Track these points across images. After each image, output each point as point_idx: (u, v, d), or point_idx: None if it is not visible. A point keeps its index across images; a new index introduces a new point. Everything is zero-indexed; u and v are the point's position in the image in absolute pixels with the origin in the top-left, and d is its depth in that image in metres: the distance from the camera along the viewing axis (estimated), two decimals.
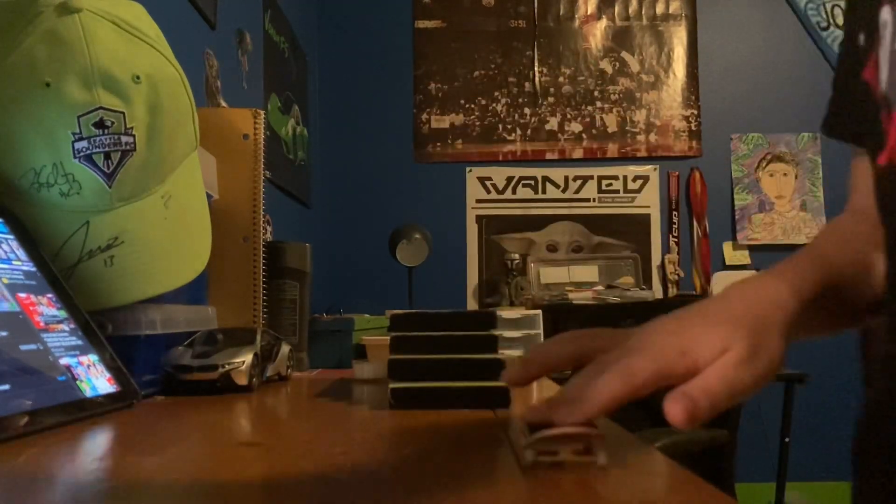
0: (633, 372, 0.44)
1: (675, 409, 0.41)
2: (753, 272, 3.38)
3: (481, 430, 0.53)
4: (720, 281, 3.44)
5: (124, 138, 0.71)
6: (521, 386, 0.51)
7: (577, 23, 3.60)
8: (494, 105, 3.57)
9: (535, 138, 3.56)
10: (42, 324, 0.60)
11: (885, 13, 0.52)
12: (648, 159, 3.56)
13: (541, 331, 3.14)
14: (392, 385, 0.61)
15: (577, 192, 3.57)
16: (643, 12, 3.60)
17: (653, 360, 0.44)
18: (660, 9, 3.60)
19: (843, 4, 3.83)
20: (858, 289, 0.58)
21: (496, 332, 0.65)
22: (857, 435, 0.57)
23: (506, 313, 3.18)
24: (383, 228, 3.10)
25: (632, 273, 3.34)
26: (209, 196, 0.89)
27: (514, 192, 3.56)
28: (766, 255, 3.49)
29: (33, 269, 0.65)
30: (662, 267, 3.48)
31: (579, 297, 3.10)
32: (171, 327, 0.77)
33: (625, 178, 3.56)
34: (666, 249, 3.51)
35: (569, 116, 3.57)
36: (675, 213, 3.52)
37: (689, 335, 0.46)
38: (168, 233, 0.75)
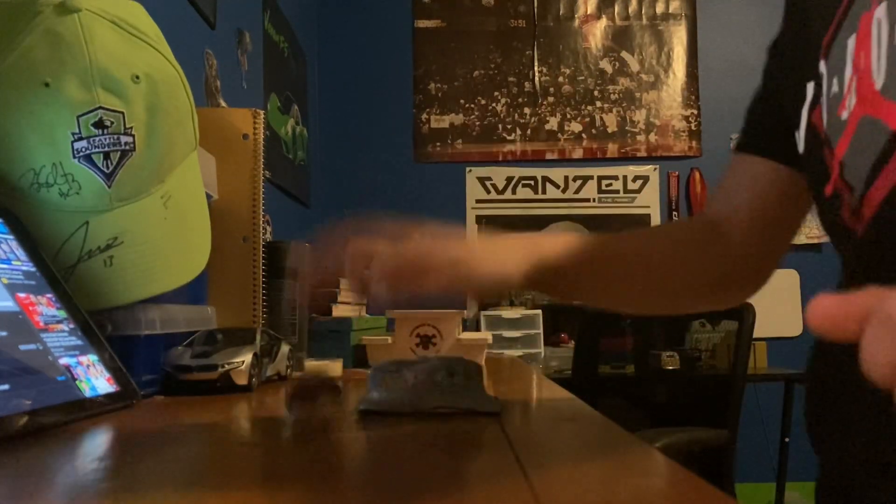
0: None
1: None
2: None
3: (481, 430, 0.53)
4: None
5: (123, 138, 0.71)
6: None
7: (576, 22, 3.60)
8: (494, 105, 3.57)
9: (535, 138, 3.56)
10: (42, 324, 0.60)
11: (822, 66, 0.60)
12: (648, 159, 3.56)
13: (541, 330, 3.14)
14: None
15: (577, 192, 3.56)
16: (643, 12, 3.60)
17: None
18: (660, 8, 3.60)
19: None
20: (646, 272, 0.73)
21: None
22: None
23: (506, 313, 3.18)
24: None
25: None
26: (209, 196, 0.89)
27: (514, 192, 3.56)
28: None
29: (33, 269, 0.65)
30: None
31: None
32: (170, 327, 0.77)
33: (625, 178, 3.56)
34: None
35: (569, 116, 3.56)
36: (675, 213, 3.52)
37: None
38: (168, 233, 0.74)
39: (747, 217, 0.74)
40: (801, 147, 0.65)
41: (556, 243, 0.68)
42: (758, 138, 0.76)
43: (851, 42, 0.57)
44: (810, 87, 0.63)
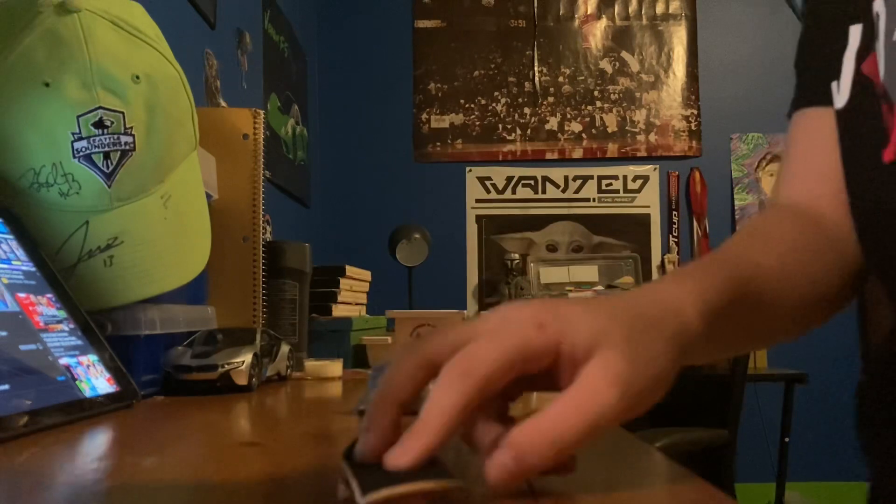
0: (473, 365, 0.33)
1: (493, 467, 0.32)
2: None
3: None
4: None
5: (124, 138, 0.71)
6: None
7: (576, 22, 3.60)
8: (494, 105, 3.57)
9: (535, 138, 3.56)
10: (42, 324, 0.60)
11: (878, 5, 0.51)
12: (648, 159, 3.56)
13: None
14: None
15: (576, 191, 3.57)
16: (643, 12, 3.60)
17: (500, 342, 0.34)
18: (660, 9, 3.60)
19: None
20: (777, 301, 0.52)
21: None
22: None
23: None
24: (383, 228, 3.10)
25: (632, 273, 3.34)
26: (209, 196, 0.89)
27: (513, 191, 3.56)
28: None
29: (33, 269, 0.65)
30: (662, 267, 3.48)
31: (579, 298, 3.10)
32: (170, 327, 0.77)
33: (625, 177, 3.56)
34: (666, 249, 3.51)
35: (569, 116, 3.57)
36: (675, 213, 3.52)
37: (553, 310, 0.36)
38: (168, 233, 0.74)
39: (833, 177, 0.58)
40: (840, 101, 0.55)
41: (700, 332, 0.41)
42: (814, 88, 0.62)
43: None
44: (855, 30, 0.54)
